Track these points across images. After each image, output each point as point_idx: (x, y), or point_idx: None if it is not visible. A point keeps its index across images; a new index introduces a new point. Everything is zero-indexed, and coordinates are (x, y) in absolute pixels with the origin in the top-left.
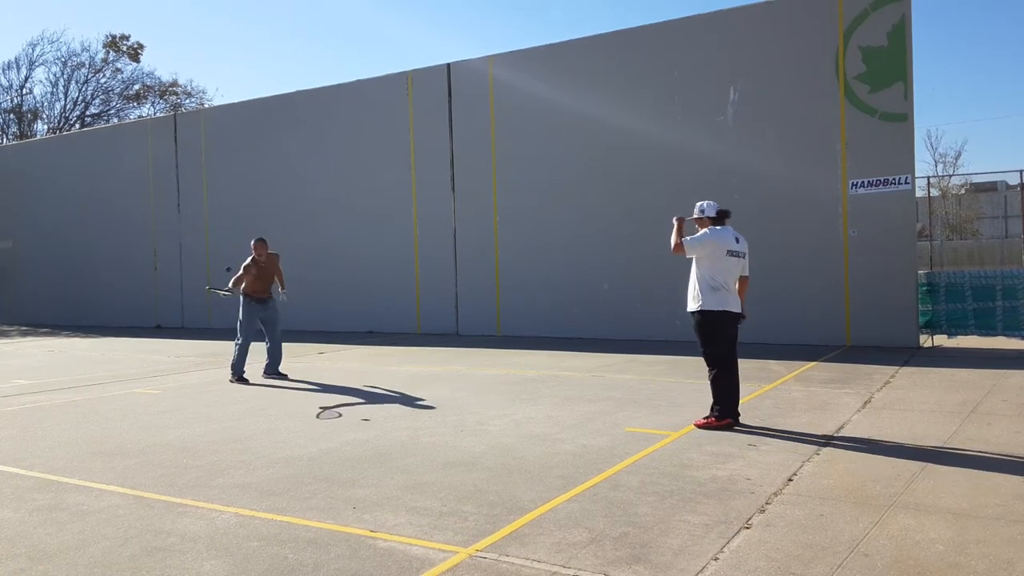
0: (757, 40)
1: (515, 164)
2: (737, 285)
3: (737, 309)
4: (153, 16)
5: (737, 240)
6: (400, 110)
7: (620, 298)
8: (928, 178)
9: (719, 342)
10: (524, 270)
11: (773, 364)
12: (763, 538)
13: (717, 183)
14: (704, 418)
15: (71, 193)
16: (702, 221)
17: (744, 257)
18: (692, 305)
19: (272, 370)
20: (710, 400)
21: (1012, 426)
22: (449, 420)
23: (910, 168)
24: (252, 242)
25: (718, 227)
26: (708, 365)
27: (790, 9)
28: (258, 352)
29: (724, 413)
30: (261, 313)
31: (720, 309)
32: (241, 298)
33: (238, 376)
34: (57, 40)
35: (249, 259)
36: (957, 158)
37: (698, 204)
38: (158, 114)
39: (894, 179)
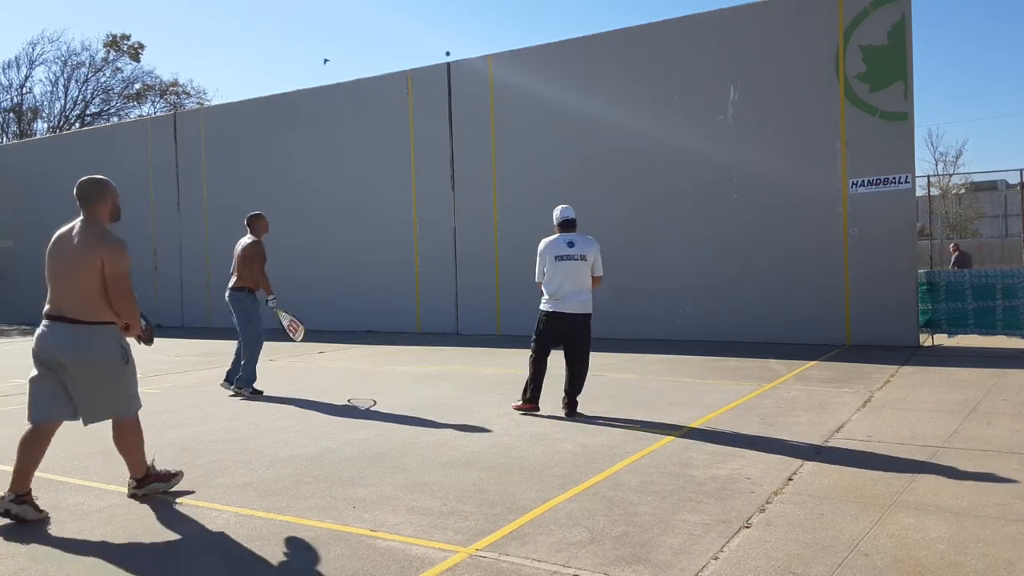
0: (757, 40)
1: (515, 163)
2: (583, 287)
3: (571, 311)
4: (153, 16)
5: (572, 244)
6: (400, 109)
7: (620, 297)
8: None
9: (542, 339)
10: (524, 269)
11: (773, 363)
12: (763, 537)
13: (717, 183)
14: (518, 403)
15: (71, 192)
16: (555, 228)
17: (583, 259)
18: None
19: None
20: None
21: (1012, 425)
22: (449, 419)
23: (910, 167)
24: (255, 219)
25: (553, 236)
26: (531, 351)
27: (790, 8)
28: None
29: (532, 397)
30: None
31: (550, 311)
32: (244, 293)
33: (254, 388)
34: (57, 39)
35: (255, 240)
36: (957, 157)
37: (555, 209)
38: (158, 113)
39: (894, 178)
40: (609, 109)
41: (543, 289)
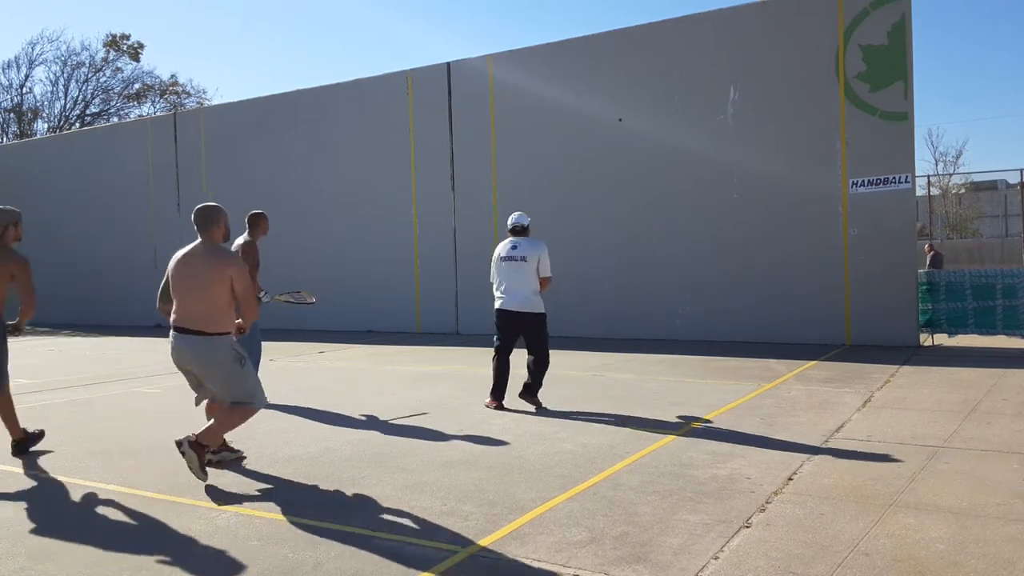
0: (757, 40)
1: (515, 163)
2: (526, 286)
3: (514, 308)
4: (153, 16)
5: (515, 247)
6: (400, 109)
7: (620, 297)
8: (928, 177)
9: (499, 336)
10: None
11: (773, 363)
12: (763, 537)
13: (717, 183)
14: (489, 403)
15: (71, 192)
16: (509, 232)
17: (524, 260)
18: None
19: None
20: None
21: (1012, 425)
22: (449, 419)
23: (910, 167)
24: (255, 218)
25: (504, 240)
26: (495, 352)
27: (790, 8)
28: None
29: (495, 394)
30: None
31: (497, 307)
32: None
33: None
34: (57, 39)
35: (248, 240)
36: (958, 157)
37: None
38: (158, 113)
39: (894, 178)
40: (609, 109)
41: (493, 290)
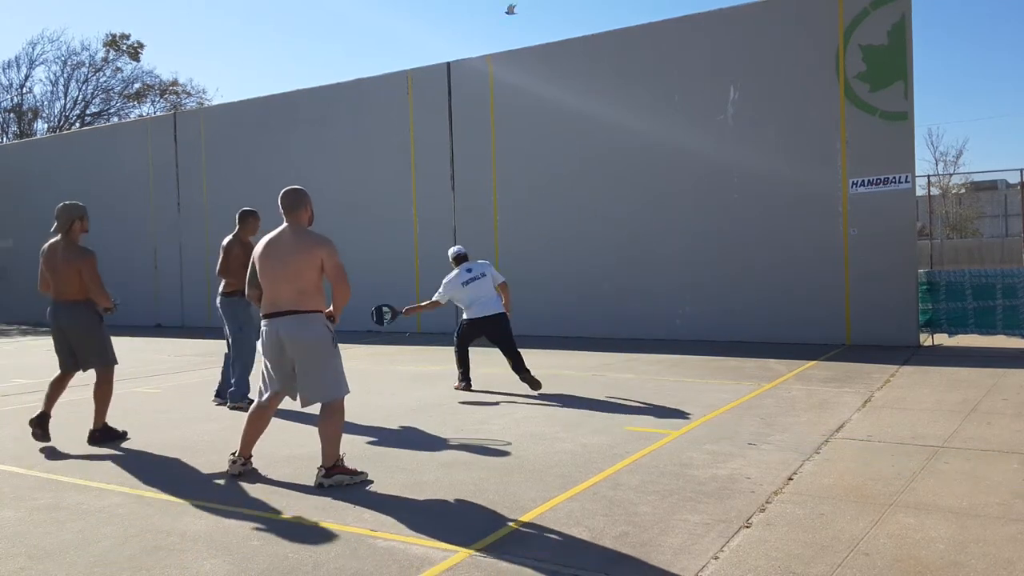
0: (757, 40)
1: (515, 162)
2: (492, 293)
3: (485, 314)
4: (153, 15)
5: (470, 270)
6: (400, 109)
7: (620, 297)
8: (928, 177)
9: (462, 339)
10: (524, 269)
11: (773, 363)
12: (763, 537)
13: (717, 183)
14: (457, 385)
15: (71, 192)
16: (452, 263)
17: (484, 276)
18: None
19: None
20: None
21: (1012, 425)
22: (449, 419)
23: (910, 167)
24: (244, 216)
25: (454, 270)
26: (454, 348)
27: (790, 8)
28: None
29: (463, 377)
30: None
31: (468, 318)
32: (236, 298)
33: (250, 400)
34: (57, 39)
35: (232, 238)
36: (958, 157)
37: (449, 251)
38: (158, 113)
39: (894, 178)
40: (609, 109)
41: (462, 307)
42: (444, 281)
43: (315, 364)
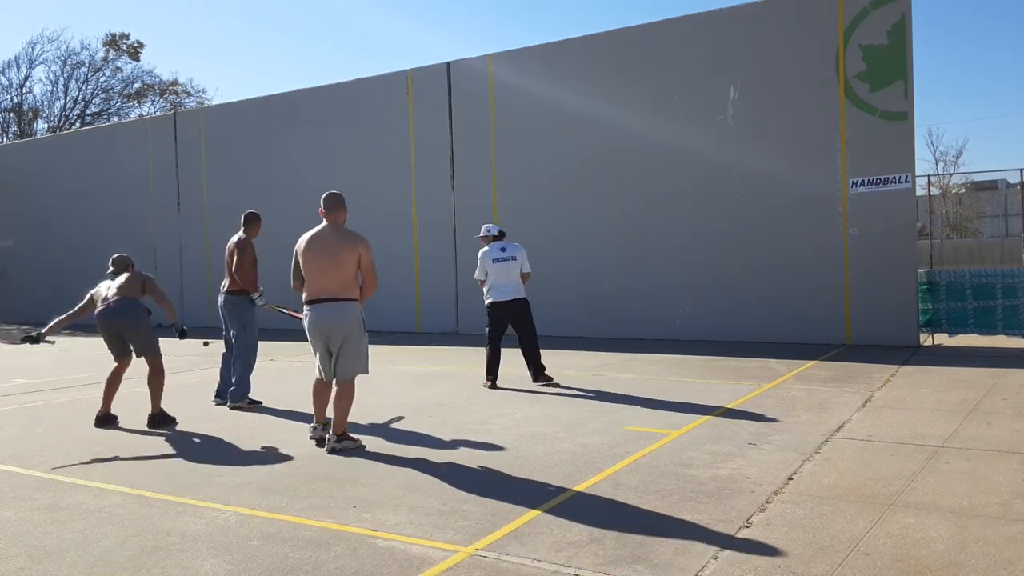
0: (757, 40)
1: (515, 162)
2: (515, 280)
3: (506, 298)
4: (153, 15)
5: (503, 249)
6: (400, 109)
7: (620, 297)
8: (928, 177)
9: (493, 326)
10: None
11: (773, 363)
12: (763, 537)
13: (717, 183)
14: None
15: (71, 192)
16: (486, 239)
17: (514, 259)
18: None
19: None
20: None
21: (1012, 425)
22: (449, 419)
23: (910, 167)
24: (251, 218)
25: (487, 247)
26: (487, 340)
27: (790, 8)
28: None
29: (490, 375)
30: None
31: (492, 301)
32: (240, 297)
33: (251, 399)
34: (57, 39)
35: (245, 237)
36: (958, 157)
37: (483, 226)
38: (158, 113)
39: (894, 178)
40: (609, 108)
41: (484, 287)
42: (479, 256)
43: (351, 345)
